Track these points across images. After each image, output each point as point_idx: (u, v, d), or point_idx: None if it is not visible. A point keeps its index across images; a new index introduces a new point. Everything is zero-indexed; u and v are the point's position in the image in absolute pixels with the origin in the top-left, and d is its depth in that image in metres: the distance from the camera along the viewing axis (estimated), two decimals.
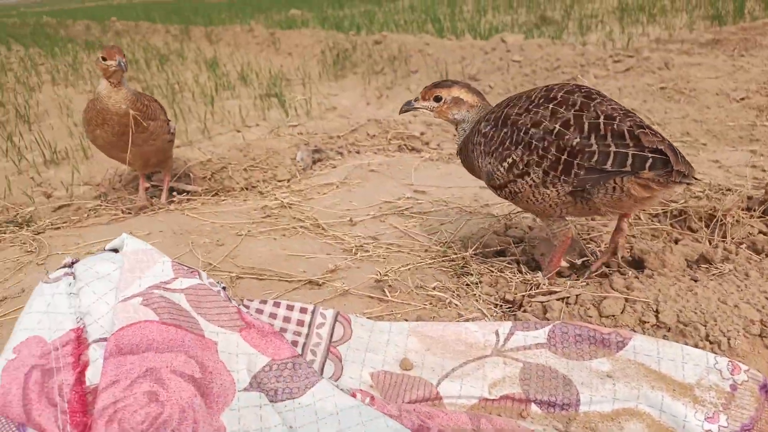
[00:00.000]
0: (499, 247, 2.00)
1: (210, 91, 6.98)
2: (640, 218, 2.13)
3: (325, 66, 8.11)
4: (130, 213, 2.67)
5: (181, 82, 7.74)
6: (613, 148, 1.40)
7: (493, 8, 13.71)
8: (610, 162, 1.40)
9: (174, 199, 2.92)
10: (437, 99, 1.86)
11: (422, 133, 3.77)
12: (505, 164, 1.57)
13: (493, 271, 1.82)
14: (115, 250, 1.42)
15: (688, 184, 1.44)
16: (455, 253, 2.00)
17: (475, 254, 1.96)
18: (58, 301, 1.23)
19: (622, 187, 1.43)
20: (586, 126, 1.44)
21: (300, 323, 1.48)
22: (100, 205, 2.87)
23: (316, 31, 9.94)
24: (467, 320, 1.53)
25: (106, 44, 2.42)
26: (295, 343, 1.43)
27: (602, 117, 1.44)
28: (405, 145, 3.56)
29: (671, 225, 2.11)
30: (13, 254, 2.19)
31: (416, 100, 1.92)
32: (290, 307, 1.51)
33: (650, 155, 1.37)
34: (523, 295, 1.58)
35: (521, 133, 1.53)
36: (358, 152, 3.48)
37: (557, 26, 10.00)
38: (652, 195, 1.44)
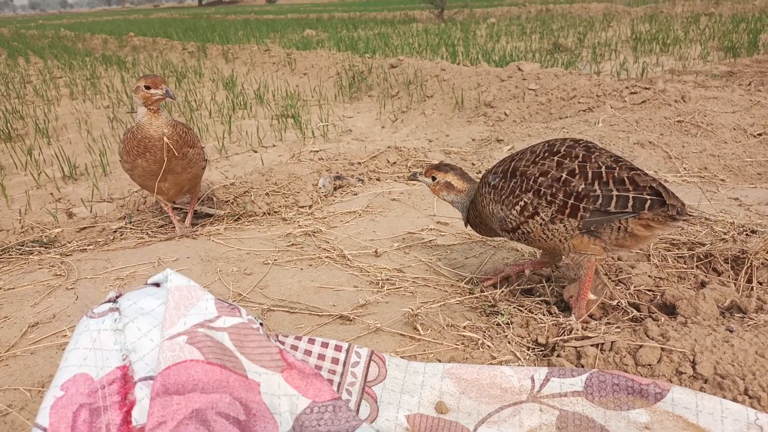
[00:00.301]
0: (527, 286, 2.01)
1: (227, 110, 7.07)
2: (666, 260, 2.13)
3: (341, 88, 8.20)
4: (155, 237, 2.70)
5: (198, 100, 7.85)
6: (615, 192, 1.56)
7: (506, 34, 13.86)
8: (613, 204, 1.55)
9: (198, 222, 2.94)
10: (433, 178, 2.09)
11: (442, 161, 3.79)
12: (517, 208, 1.71)
13: (522, 311, 1.83)
14: (157, 284, 1.43)
15: (684, 220, 1.58)
16: (482, 291, 2.01)
17: (503, 292, 1.97)
18: (104, 338, 1.24)
19: (626, 228, 1.59)
20: (589, 174, 1.59)
21: (335, 361, 1.49)
22: (125, 227, 2.90)
23: (331, 53, 10.06)
24: (500, 363, 1.54)
25: (148, 74, 2.45)
26: (330, 382, 1.43)
27: (603, 167, 1.60)
28: None
29: (697, 267, 2.12)
30: (42, 277, 2.21)
31: (420, 173, 2.14)
32: (325, 345, 1.51)
33: (648, 197, 1.53)
34: (556, 339, 1.58)
35: (530, 182, 1.68)
36: (378, 179, 3.51)
37: (571, 54, 10.10)
38: (652, 233, 1.59)
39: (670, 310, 1.74)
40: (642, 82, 6.13)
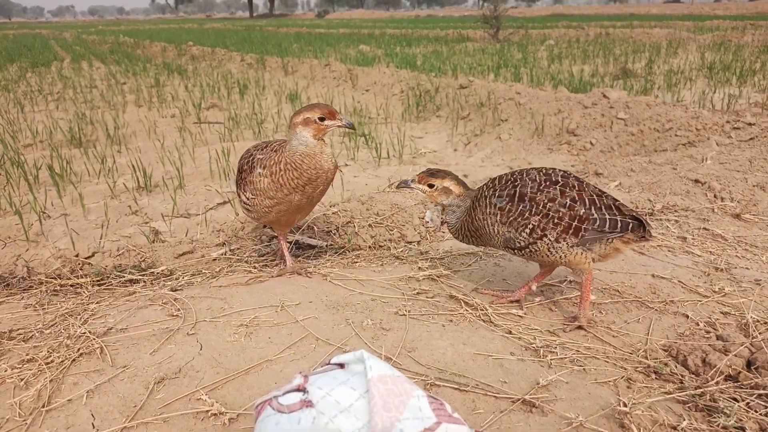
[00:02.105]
0: (731, 371, 1.67)
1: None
2: None
3: (408, 107, 7.97)
4: (263, 271, 2.46)
5: (264, 112, 7.74)
6: (608, 216, 1.91)
7: (567, 57, 13.48)
8: (607, 226, 1.91)
9: (302, 254, 2.71)
10: (430, 186, 2.16)
11: None
12: (527, 230, 1.94)
13: (742, 407, 1.50)
14: (341, 365, 1.17)
15: (651, 239, 1.98)
16: (673, 373, 1.68)
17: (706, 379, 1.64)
18: None
19: (611, 244, 1.94)
20: (587, 201, 1.92)
21: None
22: (225, 255, 2.68)
23: (395, 70, 9.87)
24: None
25: (319, 103, 2.17)
26: None
27: (594, 195, 1.96)
28: None
29: None
30: (156, 316, 1.99)
31: (413, 180, 2.19)
32: None
33: (630, 221, 1.91)
34: None
35: (540, 207, 1.92)
36: None
37: (640, 80, 9.67)
38: (628, 248, 1.98)
39: None
40: (745, 117, 5.68)
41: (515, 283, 2.37)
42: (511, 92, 7.22)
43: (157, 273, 2.45)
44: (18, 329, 1.94)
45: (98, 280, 2.37)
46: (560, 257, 1.94)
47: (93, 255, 2.64)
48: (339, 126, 2.11)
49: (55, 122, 7.16)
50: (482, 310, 2.08)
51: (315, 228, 2.96)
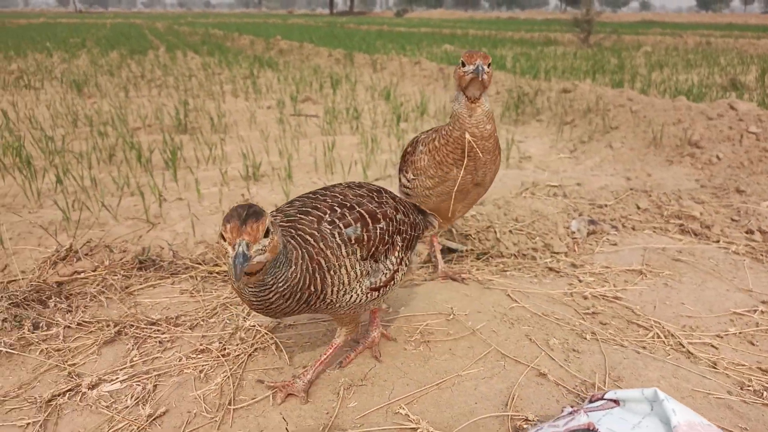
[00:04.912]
0: None
1: (389, 122, 6.81)
2: None
3: (507, 109, 7.70)
4: (413, 274, 2.32)
5: (359, 107, 7.69)
6: (420, 217, 1.80)
7: (667, 65, 12.72)
8: (423, 228, 1.80)
9: (443, 258, 2.56)
10: (267, 234, 1.25)
11: (701, 213, 3.16)
12: (393, 255, 1.59)
13: None
14: (616, 401, 0.99)
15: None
16: None
17: None
18: None
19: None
20: (406, 210, 1.72)
21: None
22: None
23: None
24: None
25: (470, 49, 1.91)
26: None
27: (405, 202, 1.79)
28: (688, 228, 2.97)
29: None
30: (320, 314, 1.89)
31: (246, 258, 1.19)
32: None
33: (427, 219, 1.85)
34: None
35: (395, 222, 1.60)
36: (633, 228, 2.95)
37: (753, 93, 8.92)
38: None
39: None
40: None
41: (698, 310, 2.11)
42: (623, 98, 6.81)
43: None
44: (181, 316, 1.89)
45: None
46: (405, 272, 1.66)
47: None
48: (470, 73, 1.77)
49: (160, 108, 7.40)
50: (673, 337, 1.84)
51: (453, 231, 2.80)
